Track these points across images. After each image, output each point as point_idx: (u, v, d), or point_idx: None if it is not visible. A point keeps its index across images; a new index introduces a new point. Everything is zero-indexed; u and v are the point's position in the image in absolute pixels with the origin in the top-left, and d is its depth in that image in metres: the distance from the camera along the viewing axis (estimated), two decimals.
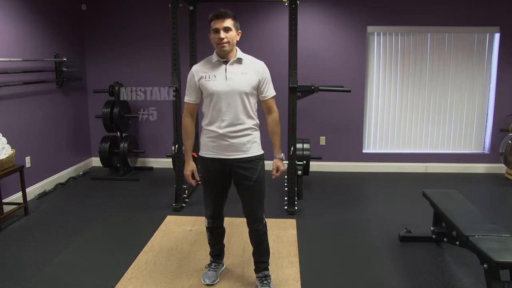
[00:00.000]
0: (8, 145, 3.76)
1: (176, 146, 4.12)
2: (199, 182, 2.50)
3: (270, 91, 2.42)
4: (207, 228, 2.64)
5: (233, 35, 2.29)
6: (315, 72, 5.24)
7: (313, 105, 5.29)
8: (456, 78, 5.41)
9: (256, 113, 2.41)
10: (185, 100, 2.43)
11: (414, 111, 5.50)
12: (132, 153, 5.35)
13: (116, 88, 5.06)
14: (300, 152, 4.39)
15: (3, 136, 3.75)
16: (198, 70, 2.37)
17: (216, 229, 2.63)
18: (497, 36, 5.26)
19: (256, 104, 2.41)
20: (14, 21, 4.12)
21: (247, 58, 2.38)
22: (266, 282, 2.55)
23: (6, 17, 4.01)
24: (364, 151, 5.58)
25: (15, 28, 4.15)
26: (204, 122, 2.40)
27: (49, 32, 4.72)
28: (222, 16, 2.25)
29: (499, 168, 5.35)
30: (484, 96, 5.45)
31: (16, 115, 4.16)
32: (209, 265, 2.75)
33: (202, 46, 4.65)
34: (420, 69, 5.40)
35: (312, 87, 4.20)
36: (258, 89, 2.38)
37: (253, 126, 2.38)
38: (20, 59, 4.13)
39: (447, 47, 5.34)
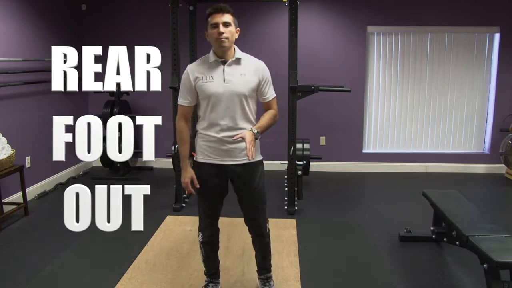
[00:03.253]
0: (8, 145, 3.76)
1: (176, 146, 4.12)
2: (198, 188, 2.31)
3: (270, 93, 2.29)
4: (202, 243, 2.40)
5: (233, 31, 2.15)
6: (315, 72, 5.23)
7: (313, 105, 5.28)
8: (456, 78, 5.41)
9: (255, 117, 2.29)
10: (179, 103, 2.27)
11: (414, 111, 5.50)
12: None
13: (116, 88, 5.05)
14: (300, 152, 4.39)
15: (3, 136, 3.75)
16: (193, 70, 2.22)
17: (212, 244, 2.42)
18: (497, 36, 5.26)
19: (255, 108, 2.29)
20: (14, 21, 4.12)
21: (246, 58, 2.24)
22: (268, 284, 2.53)
23: (6, 17, 4.01)
24: (364, 151, 5.58)
25: (15, 28, 4.14)
26: (200, 126, 2.26)
27: (49, 32, 4.71)
28: (222, 10, 2.12)
29: (499, 168, 5.34)
30: (484, 96, 5.45)
31: (16, 115, 4.16)
32: (206, 286, 2.50)
33: (202, 46, 4.65)
34: (420, 69, 5.40)
35: (312, 87, 4.20)
36: (258, 90, 2.24)
37: None
38: (20, 59, 4.12)
39: (447, 47, 5.34)
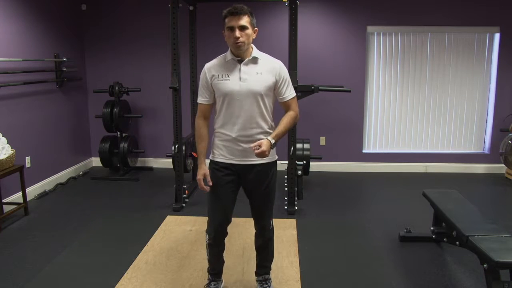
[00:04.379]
0: (8, 145, 3.76)
1: (176, 146, 4.12)
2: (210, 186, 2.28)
3: (289, 92, 2.25)
4: (209, 244, 2.39)
5: (249, 34, 2.12)
6: (315, 72, 5.24)
7: (313, 105, 5.29)
8: (456, 78, 5.41)
9: (271, 116, 2.27)
10: (198, 101, 2.29)
11: (414, 111, 5.50)
12: (132, 153, 5.35)
13: (116, 88, 5.07)
14: (300, 152, 4.39)
15: (3, 136, 3.75)
16: (210, 69, 2.22)
17: (217, 246, 2.39)
18: (497, 36, 5.26)
19: (272, 107, 2.27)
20: (14, 21, 4.12)
21: (263, 57, 2.23)
22: (267, 285, 2.51)
23: (6, 17, 4.01)
24: (364, 151, 5.58)
25: (15, 28, 4.14)
26: (216, 125, 2.27)
27: (49, 32, 4.71)
28: (238, 13, 2.07)
29: (499, 168, 5.35)
30: (484, 96, 5.45)
31: (16, 115, 4.16)
32: (208, 285, 2.51)
33: (202, 46, 4.66)
34: (420, 69, 5.40)
35: (312, 87, 4.20)
36: (275, 90, 2.22)
37: (268, 130, 2.24)
38: (20, 59, 4.12)
39: (447, 47, 5.34)
